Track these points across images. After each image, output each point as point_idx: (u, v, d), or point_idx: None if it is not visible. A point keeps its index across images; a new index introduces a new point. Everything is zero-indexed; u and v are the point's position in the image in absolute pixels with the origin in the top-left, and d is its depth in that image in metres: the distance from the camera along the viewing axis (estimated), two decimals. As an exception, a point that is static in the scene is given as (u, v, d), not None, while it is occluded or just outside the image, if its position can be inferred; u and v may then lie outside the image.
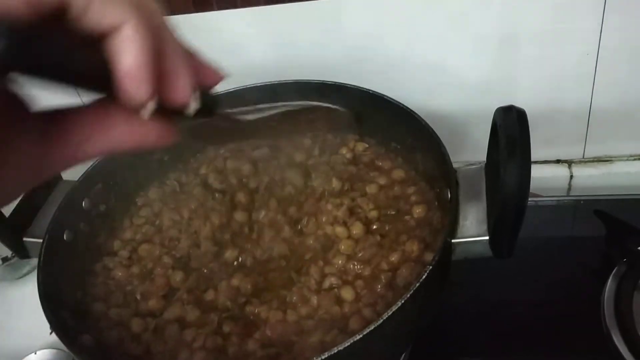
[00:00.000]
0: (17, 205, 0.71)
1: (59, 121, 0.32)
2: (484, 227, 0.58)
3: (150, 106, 0.31)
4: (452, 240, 0.58)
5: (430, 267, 0.54)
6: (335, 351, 0.49)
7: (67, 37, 0.29)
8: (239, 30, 0.87)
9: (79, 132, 0.33)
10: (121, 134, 0.33)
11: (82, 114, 0.33)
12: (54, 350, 0.81)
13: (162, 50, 0.31)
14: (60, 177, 0.76)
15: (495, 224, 0.56)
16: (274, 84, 0.80)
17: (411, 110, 0.70)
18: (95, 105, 0.33)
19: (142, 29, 0.29)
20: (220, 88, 0.79)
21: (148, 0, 0.31)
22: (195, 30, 0.86)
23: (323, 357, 0.48)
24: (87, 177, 0.74)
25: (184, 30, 0.89)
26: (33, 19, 0.26)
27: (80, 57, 0.29)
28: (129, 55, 0.29)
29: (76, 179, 0.73)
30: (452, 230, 0.58)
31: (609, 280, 0.74)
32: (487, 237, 0.57)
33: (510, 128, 0.52)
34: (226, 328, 0.62)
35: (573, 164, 0.96)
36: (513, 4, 0.80)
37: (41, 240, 0.66)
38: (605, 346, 0.68)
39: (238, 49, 0.89)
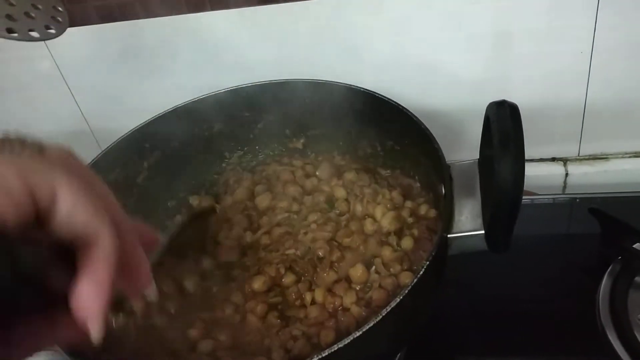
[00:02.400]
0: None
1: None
2: (479, 221, 0.58)
3: (100, 320, 0.32)
4: (448, 235, 0.58)
5: (427, 262, 0.53)
6: (335, 349, 0.48)
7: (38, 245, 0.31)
8: (233, 31, 0.87)
9: (23, 334, 0.33)
10: (64, 335, 0.34)
11: (30, 322, 0.34)
12: (47, 353, 0.81)
13: (125, 250, 0.34)
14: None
15: (491, 218, 0.56)
16: (267, 83, 0.80)
17: (403, 107, 0.71)
18: (43, 312, 0.34)
19: (113, 243, 0.32)
20: (213, 88, 0.80)
21: (117, 209, 0.36)
22: (189, 31, 0.88)
23: (323, 355, 0.48)
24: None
25: (177, 31, 0.90)
26: (18, 224, 0.29)
27: (42, 266, 0.31)
28: (94, 269, 0.32)
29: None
30: (448, 226, 0.59)
31: (604, 278, 0.74)
32: (482, 231, 0.57)
33: (503, 122, 0.52)
34: None
35: (568, 162, 0.95)
36: (507, 2, 0.80)
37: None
38: (600, 344, 0.68)
39: (232, 49, 0.89)
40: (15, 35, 0.61)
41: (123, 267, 0.34)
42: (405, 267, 0.67)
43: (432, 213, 0.70)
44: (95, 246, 0.32)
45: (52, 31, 0.64)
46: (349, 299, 0.64)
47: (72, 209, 0.31)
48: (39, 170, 0.31)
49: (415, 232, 0.70)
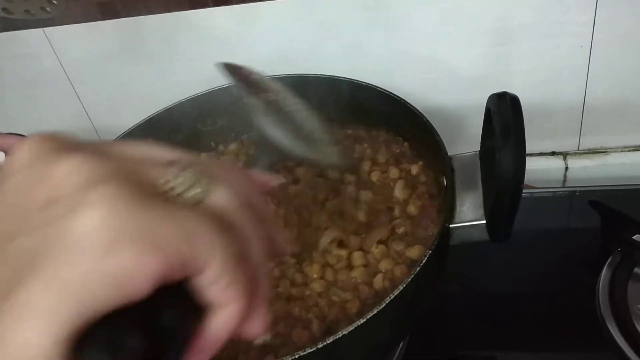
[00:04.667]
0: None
1: None
2: (481, 211, 0.59)
3: None
4: (450, 226, 0.59)
5: (430, 251, 0.54)
6: (340, 335, 0.49)
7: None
8: (234, 27, 0.88)
9: None
10: None
11: None
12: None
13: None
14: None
15: (492, 208, 0.56)
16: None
17: (404, 100, 0.71)
18: None
19: (239, 315, 0.29)
20: (216, 84, 0.80)
21: (259, 273, 0.31)
22: (191, 27, 0.88)
23: (328, 342, 0.49)
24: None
25: (179, 27, 0.91)
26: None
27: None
28: (211, 333, 0.29)
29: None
30: (450, 216, 0.59)
31: (604, 270, 0.75)
32: (484, 222, 0.58)
33: (504, 114, 0.53)
34: None
35: (568, 156, 0.96)
36: (506, -3, 0.80)
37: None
38: (600, 335, 0.69)
39: (233, 46, 0.90)
40: (11, 15, 0.62)
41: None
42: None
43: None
44: (219, 313, 0.29)
45: (48, 11, 0.65)
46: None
47: (211, 281, 0.28)
48: (202, 238, 0.27)
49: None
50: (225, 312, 0.29)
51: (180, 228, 0.26)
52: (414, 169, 0.73)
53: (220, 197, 0.30)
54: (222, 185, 0.30)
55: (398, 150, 0.77)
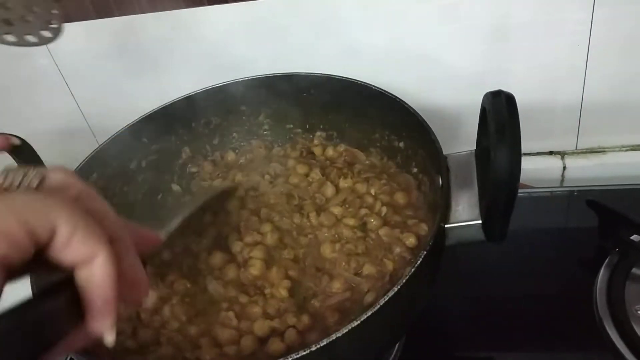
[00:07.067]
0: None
1: None
2: (476, 211, 0.58)
3: (113, 330, 0.35)
4: (445, 226, 0.58)
5: (425, 252, 0.54)
6: (334, 338, 0.48)
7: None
8: (229, 26, 0.88)
9: None
10: (81, 344, 0.36)
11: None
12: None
13: (122, 265, 0.36)
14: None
15: (488, 208, 0.56)
16: (264, 77, 0.80)
17: (400, 99, 0.71)
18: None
19: (110, 261, 0.34)
20: (211, 83, 0.80)
21: (117, 228, 0.37)
22: (186, 25, 0.88)
23: (322, 344, 0.48)
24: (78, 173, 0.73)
25: (175, 26, 0.90)
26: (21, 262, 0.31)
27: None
28: (98, 289, 0.34)
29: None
30: (445, 216, 0.59)
31: (602, 270, 0.74)
32: (479, 221, 0.57)
33: (499, 112, 0.52)
34: None
35: (566, 156, 0.96)
36: (503, -4, 0.80)
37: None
38: (597, 335, 0.69)
39: (228, 44, 0.90)
40: (13, 40, 0.62)
41: (121, 280, 0.35)
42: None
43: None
44: (94, 266, 0.34)
45: (49, 35, 0.65)
46: None
47: (69, 239, 0.33)
48: (37, 209, 0.33)
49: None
50: (94, 264, 0.33)
51: (6, 208, 0.32)
52: None
53: (57, 176, 0.37)
54: (56, 168, 0.37)
55: None
